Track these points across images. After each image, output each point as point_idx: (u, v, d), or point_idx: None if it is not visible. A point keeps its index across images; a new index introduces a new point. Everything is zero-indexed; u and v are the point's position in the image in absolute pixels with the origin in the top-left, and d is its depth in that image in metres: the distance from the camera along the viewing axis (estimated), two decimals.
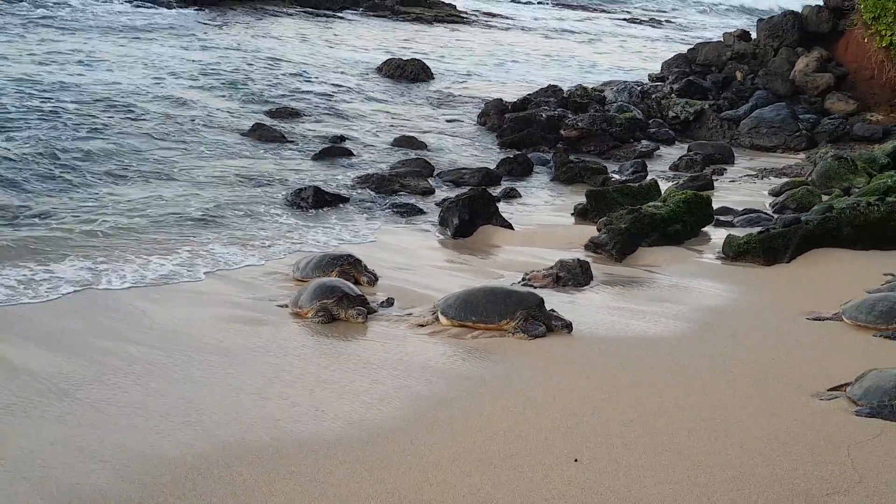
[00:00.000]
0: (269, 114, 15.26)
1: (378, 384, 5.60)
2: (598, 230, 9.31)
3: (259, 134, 13.73)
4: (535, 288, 7.51)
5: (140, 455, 4.62)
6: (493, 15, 36.59)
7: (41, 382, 5.44)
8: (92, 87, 15.10)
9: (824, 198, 11.26)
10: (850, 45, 18.23)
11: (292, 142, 13.69)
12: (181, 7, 27.28)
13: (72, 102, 13.84)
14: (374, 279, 7.76)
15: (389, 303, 7.19)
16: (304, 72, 19.46)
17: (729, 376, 5.77)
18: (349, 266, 7.75)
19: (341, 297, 6.82)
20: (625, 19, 39.66)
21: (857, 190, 11.74)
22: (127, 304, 6.96)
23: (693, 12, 45.35)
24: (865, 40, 17.47)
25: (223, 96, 16.11)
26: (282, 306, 7.09)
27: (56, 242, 8.31)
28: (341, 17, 31.28)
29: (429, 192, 11.69)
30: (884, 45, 17.00)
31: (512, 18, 36.36)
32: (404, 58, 21.66)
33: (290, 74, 18.96)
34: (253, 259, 8.43)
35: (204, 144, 12.81)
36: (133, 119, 13.54)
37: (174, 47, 20.46)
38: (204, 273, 7.90)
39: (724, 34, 20.86)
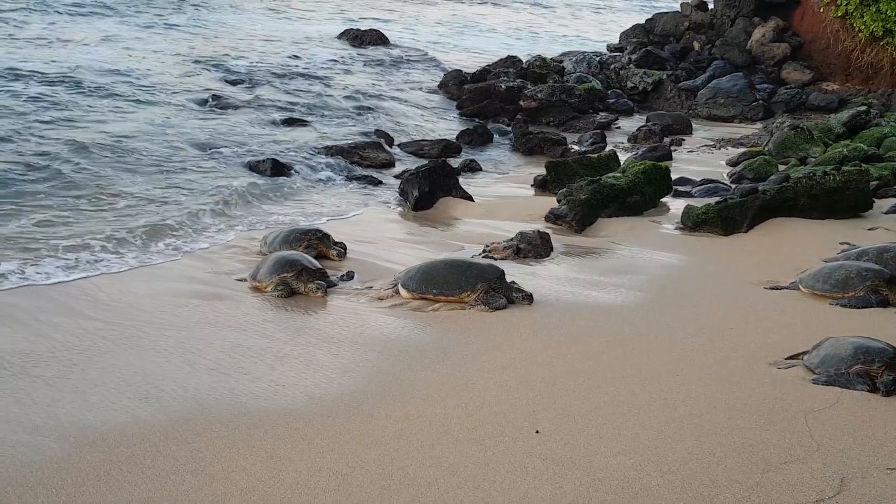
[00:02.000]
0: (227, 85, 15.02)
1: (339, 358, 5.56)
2: (558, 201, 9.31)
3: (216, 105, 13.53)
4: (496, 260, 7.50)
5: (97, 432, 4.54)
6: None
7: None
8: (49, 65, 14.66)
9: (781, 167, 11.38)
10: (805, 14, 18.38)
11: (250, 112, 13.48)
12: None
13: (29, 83, 13.41)
14: (343, 253, 7.68)
15: (350, 276, 7.14)
16: (262, 42, 19.16)
17: (688, 346, 5.81)
18: (317, 240, 7.66)
19: (301, 270, 6.75)
20: None
21: (813, 159, 11.88)
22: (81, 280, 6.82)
23: None
24: (821, 10, 17.62)
25: (180, 69, 15.80)
26: (240, 280, 7.00)
27: (10, 218, 8.10)
28: None
29: (388, 163, 11.61)
30: (839, 14, 17.16)
31: None
32: (362, 27, 21.42)
33: (248, 45, 18.67)
34: (210, 232, 8.30)
35: (160, 116, 12.56)
36: (83, 95, 13.16)
37: (131, 25, 19.90)
38: (159, 247, 7.76)
39: (682, 4, 20.90)
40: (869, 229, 8.67)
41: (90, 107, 12.54)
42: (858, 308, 6.50)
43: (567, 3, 34.78)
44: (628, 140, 14.33)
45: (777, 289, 7.02)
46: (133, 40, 17.87)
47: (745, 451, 4.45)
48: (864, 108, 14.23)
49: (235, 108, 13.55)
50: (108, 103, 12.84)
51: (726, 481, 4.19)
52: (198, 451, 4.41)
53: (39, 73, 13.81)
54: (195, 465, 4.29)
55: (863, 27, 16.55)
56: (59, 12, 19.65)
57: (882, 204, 9.54)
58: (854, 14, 16.73)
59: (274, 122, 13.06)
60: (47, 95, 12.66)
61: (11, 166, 9.58)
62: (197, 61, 16.39)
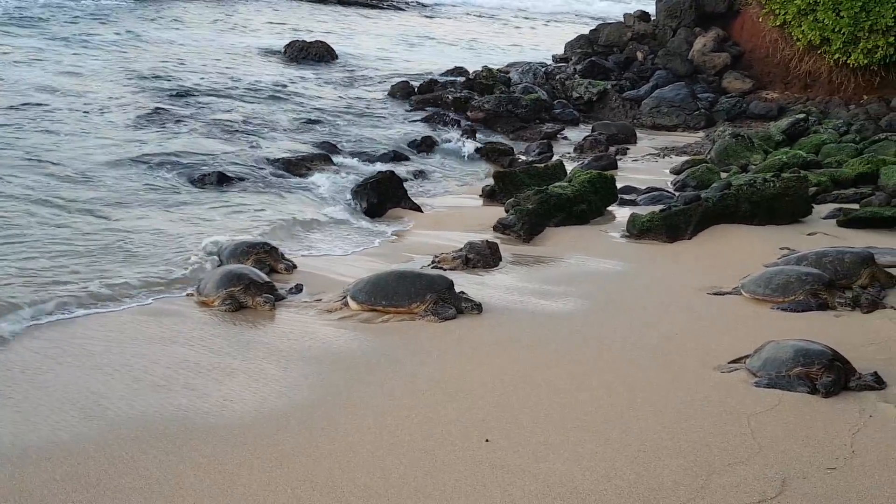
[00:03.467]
0: (171, 100, 14.84)
1: (288, 371, 5.53)
2: (506, 211, 9.39)
3: (160, 119, 13.35)
4: (445, 270, 7.53)
5: (40, 451, 4.45)
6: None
7: None
8: None
9: (723, 175, 11.61)
10: (745, 24, 18.78)
11: (195, 127, 13.33)
12: None
13: None
14: (291, 267, 7.63)
15: (298, 289, 7.11)
16: (206, 56, 19.01)
17: (634, 352, 5.90)
18: (265, 254, 7.60)
19: (248, 284, 6.70)
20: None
21: (753, 167, 12.15)
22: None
23: None
24: (760, 19, 18.01)
25: (123, 85, 15.60)
26: (187, 295, 6.93)
27: None
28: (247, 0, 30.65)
29: (336, 174, 11.57)
30: (777, 23, 17.54)
31: (421, 4, 36.28)
32: (309, 39, 21.38)
33: (191, 60, 18.50)
34: (155, 247, 8.18)
35: (101, 131, 12.36)
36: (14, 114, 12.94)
37: (61, 41, 19.48)
38: (107, 267, 7.63)
39: (625, 15, 21.24)
40: (808, 234, 8.88)
41: (31, 126, 12.30)
42: (799, 312, 6.65)
43: (514, 14, 35.13)
44: (574, 150, 14.49)
45: (720, 294, 7.16)
46: (67, 56, 17.51)
47: (689, 455, 4.53)
48: (802, 115, 14.59)
49: (180, 123, 13.39)
50: (46, 121, 12.60)
51: (671, 484, 4.26)
52: (144, 468, 4.35)
53: None
54: (141, 482, 4.23)
55: (801, 36, 16.94)
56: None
57: (821, 209, 9.79)
58: (792, 23, 17.12)
59: (219, 137, 12.93)
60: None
61: None
62: (139, 77, 16.13)
